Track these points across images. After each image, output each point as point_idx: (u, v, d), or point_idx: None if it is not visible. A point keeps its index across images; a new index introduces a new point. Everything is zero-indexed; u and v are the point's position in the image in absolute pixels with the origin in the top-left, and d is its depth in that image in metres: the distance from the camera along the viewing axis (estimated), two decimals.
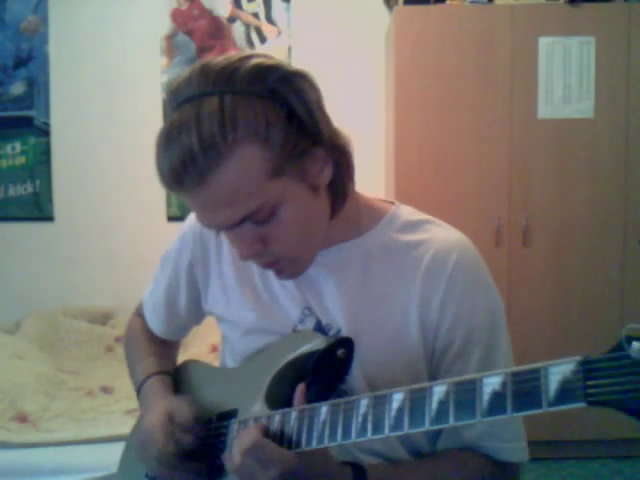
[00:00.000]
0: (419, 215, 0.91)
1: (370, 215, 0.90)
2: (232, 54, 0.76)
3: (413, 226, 0.89)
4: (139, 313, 1.16)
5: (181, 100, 0.72)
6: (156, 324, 1.09)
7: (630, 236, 2.61)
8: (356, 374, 0.85)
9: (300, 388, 0.78)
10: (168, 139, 0.71)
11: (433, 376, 0.86)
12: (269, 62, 0.75)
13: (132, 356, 1.12)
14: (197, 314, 1.04)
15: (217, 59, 0.74)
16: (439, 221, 0.91)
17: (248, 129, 0.70)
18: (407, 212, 0.91)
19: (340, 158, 0.81)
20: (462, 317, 0.83)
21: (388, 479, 0.82)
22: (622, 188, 2.61)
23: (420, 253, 0.85)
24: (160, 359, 1.07)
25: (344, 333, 0.86)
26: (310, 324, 0.88)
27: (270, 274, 0.90)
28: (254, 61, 0.74)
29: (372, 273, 0.87)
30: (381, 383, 0.80)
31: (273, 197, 0.74)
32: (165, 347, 1.12)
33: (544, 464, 2.65)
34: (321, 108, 0.78)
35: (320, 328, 0.88)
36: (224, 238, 0.93)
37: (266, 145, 0.72)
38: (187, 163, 0.69)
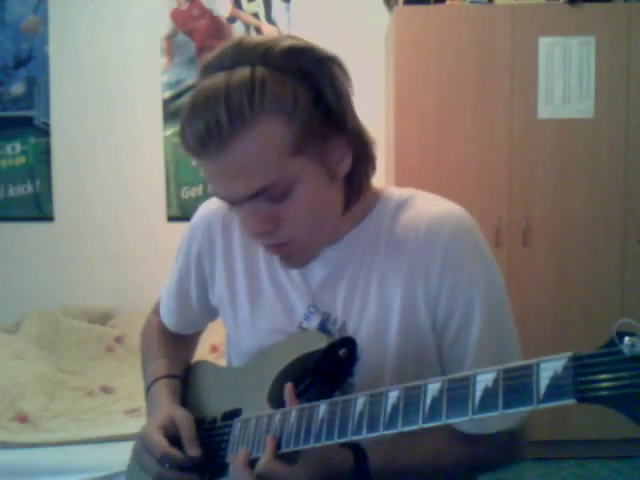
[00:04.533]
0: (410, 192, 0.90)
1: (368, 199, 0.89)
2: (267, 35, 0.78)
3: (405, 203, 0.88)
4: (156, 312, 1.16)
5: (213, 70, 0.74)
6: (169, 317, 1.10)
7: (630, 236, 2.61)
8: (365, 366, 0.85)
9: (288, 387, 0.79)
10: (196, 104, 0.72)
11: (439, 349, 0.86)
12: (304, 44, 0.76)
13: (145, 357, 1.12)
14: (208, 308, 1.04)
15: (252, 37, 0.76)
16: (430, 194, 0.90)
17: (275, 102, 0.71)
18: (399, 191, 0.91)
19: (361, 153, 0.82)
20: (460, 286, 0.83)
21: (389, 460, 0.82)
22: (622, 188, 2.61)
23: (416, 227, 0.85)
24: (171, 361, 1.06)
25: (350, 329, 0.86)
26: (315, 321, 0.89)
27: (278, 269, 0.91)
28: (290, 41, 0.75)
29: (376, 258, 0.87)
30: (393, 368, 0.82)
31: (290, 174, 0.74)
32: (178, 348, 1.11)
33: (544, 464, 2.65)
34: (349, 98, 0.79)
35: (325, 325, 0.88)
36: (234, 228, 0.94)
37: (291, 121, 0.72)
38: (212, 128, 0.70)
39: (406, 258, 0.85)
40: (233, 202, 0.78)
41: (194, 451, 0.86)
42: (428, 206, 0.87)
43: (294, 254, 0.83)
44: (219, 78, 0.72)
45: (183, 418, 0.90)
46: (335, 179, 0.79)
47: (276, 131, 0.72)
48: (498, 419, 0.83)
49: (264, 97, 0.71)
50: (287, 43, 0.75)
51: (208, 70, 0.75)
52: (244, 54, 0.73)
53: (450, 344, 0.85)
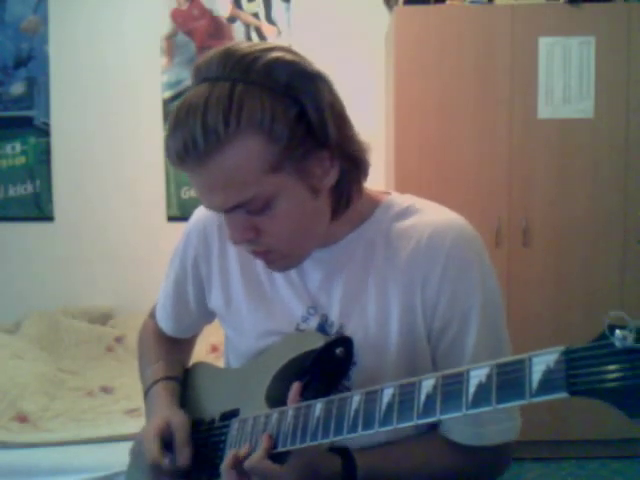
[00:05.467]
0: (411, 200, 0.91)
1: (367, 204, 0.89)
2: (257, 42, 0.77)
3: (406, 211, 0.88)
4: (153, 315, 1.16)
5: (199, 79, 0.75)
6: (165, 321, 1.10)
7: (630, 236, 2.61)
8: (362, 367, 0.85)
9: (295, 386, 0.79)
10: (178, 118, 0.73)
11: (432, 357, 0.86)
12: (289, 57, 0.75)
13: (142, 360, 1.12)
14: (206, 311, 1.04)
15: (242, 45, 0.76)
16: (431, 203, 0.91)
17: (252, 120, 0.71)
18: (400, 199, 0.91)
19: (349, 165, 0.81)
20: (459, 296, 0.83)
21: (377, 467, 0.82)
22: (622, 188, 2.61)
23: (418, 236, 0.85)
24: (168, 363, 1.07)
25: (347, 332, 0.86)
26: (314, 323, 0.89)
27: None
28: (275, 54, 0.74)
29: (375, 263, 0.86)
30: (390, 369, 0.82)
31: (268, 191, 0.74)
32: (175, 350, 1.12)
33: (544, 464, 2.65)
34: (334, 112, 0.78)
35: (323, 326, 0.88)
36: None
37: (269, 139, 0.72)
38: (189, 145, 0.71)
39: (406, 266, 0.84)
40: (214, 210, 0.80)
41: (183, 459, 0.87)
42: (430, 215, 0.87)
43: (277, 261, 0.84)
44: (200, 92, 0.72)
45: (179, 423, 0.91)
46: (318, 193, 0.79)
47: (254, 149, 0.72)
48: (497, 431, 0.84)
49: (240, 116, 0.70)
50: (272, 56, 0.74)
51: (197, 75, 0.76)
52: (228, 66, 0.73)
53: (446, 352, 0.85)
